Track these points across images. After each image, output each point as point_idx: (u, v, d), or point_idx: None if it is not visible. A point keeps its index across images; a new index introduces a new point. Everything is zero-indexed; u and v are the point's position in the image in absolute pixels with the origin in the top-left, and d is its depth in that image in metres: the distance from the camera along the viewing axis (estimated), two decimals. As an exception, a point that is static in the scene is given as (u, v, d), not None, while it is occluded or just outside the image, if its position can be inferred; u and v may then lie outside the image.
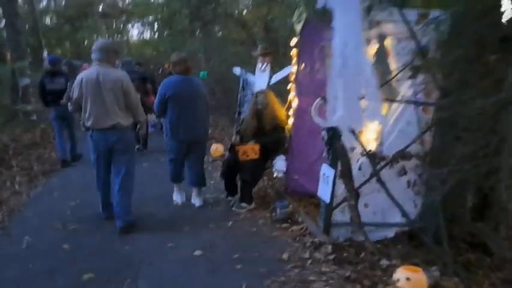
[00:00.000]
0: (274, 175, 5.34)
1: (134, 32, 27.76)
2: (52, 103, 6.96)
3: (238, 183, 5.10)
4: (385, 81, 3.77)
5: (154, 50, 17.91)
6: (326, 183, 3.95)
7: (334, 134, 3.87)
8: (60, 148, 7.25)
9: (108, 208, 4.49)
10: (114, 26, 26.95)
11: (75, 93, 4.20)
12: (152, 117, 7.87)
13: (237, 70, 7.07)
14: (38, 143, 8.84)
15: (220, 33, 13.22)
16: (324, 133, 3.96)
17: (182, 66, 4.71)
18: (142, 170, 6.44)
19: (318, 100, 3.96)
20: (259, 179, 5.04)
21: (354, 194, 3.78)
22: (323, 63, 5.07)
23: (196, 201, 5.07)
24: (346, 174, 3.83)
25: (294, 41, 5.13)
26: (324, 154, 4.05)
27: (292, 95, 5.18)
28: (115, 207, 4.32)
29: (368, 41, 4.00)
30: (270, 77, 6.56)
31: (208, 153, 7.58)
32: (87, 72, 4.18)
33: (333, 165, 3.91)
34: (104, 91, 4.06)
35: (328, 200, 3.90)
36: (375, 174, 3.87)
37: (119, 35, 27.42)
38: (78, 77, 4.19)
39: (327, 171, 3.95)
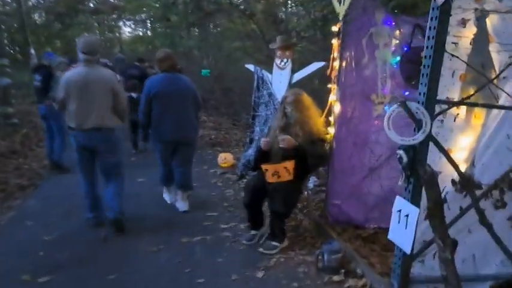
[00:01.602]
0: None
1: (127, 28, 26.30)
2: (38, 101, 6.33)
3: (265, 213, 3.85)
4: (484, 79, 2.62)
5: (150, 45, 16.53)
6: (404, 225, 2.70)
7: (417, 155, 2.65)
8: (47, 150, 6.43)
9: (97, 209, 4.19)
10: (105, 23, 25.51)
11: (61, 93, 3.96)
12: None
13: (250, 67, 5.80)
14: (17, 151, 7.47)
15: (219, 26, 11.91)
16: (401, 153, 2.73)
17: (168, 63, 4.40)
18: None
19: (394, 106, 2.71)
20: (294, 207, 3.77)
21: (449, 242, 2.55)
22: (372, 56, 3.85)
23: (180, 205, 4.65)
24: (435, 214, 2.58)
25: (335, 27, 3.87)
26: (400, 182, 2.81)
27: (332, 98, 3.91)
28: (109, 208, 4.08)
29: (462, 23, 2.80)
30: (292, 75, 5.30)
31: (216, 165, 6.32)
32: (75, 72, 3.94)
33: (414, 199, 2.68)
34: (92, 91, 3.85)
35: (408, 250, 2.65)
36: (473, 206, 2.69)
37: (111, 32, 26.02)
38: (64, 77, 3.99)
39: (405, 209, 2.70)
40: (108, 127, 3.95)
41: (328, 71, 4.03)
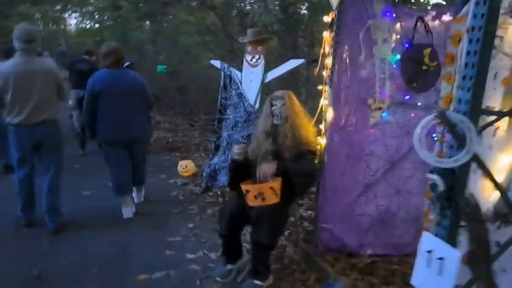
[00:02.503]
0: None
1: (73, 21, 24.51)
2: None
3: (243, 243, 3.12)
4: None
5: (98, 37, 15.22)
6: (437, 271, 2.07)
7: (457, 181, 2.00)
8: None
9: (29, 208, 3.95)
10: (49, 14, 23.63)
11: None
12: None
13: (216, 63, 5.05)
14: None
15: (174, 19, 10.95)
16: (435, 179, 2.08)
17: (113, 58, 4.02)
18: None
19: (427, 118, 2.06)
20: (280, 235, 3.05)
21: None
22: (370, 53, 3.23)
23: (135, 195, 4.57)
24: (479, 257, 1.97)
25: (327, 17, 3.20)
26: (433, 216, 2.17)
27: (323, 102, 3.24)
28: (45, 209, 3.88)
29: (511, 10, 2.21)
30: (265, 74, 4.60)
31: (175, 173, 5.51)
32: (11, 62, 3.65)
33: (451, 238, 2.04)
34: (34, 83, 3.63)
35: (444, 304, 2.02)
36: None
37: (55, 25, 24.18)
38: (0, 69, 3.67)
39: (440, 250, 2.06)
40: (53, 119, 3.78)
41: (316, 70, 3.35)
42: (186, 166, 5.52)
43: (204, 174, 5.02)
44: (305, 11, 7.34)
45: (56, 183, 3.90)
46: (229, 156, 4.84)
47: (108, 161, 4.20)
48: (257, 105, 4.63)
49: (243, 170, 3.02)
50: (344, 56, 3.13)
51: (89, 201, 4.66)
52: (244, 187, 2.86)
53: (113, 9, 11.58)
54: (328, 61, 3.17)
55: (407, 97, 3.31)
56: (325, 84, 3.21)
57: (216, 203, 4.48)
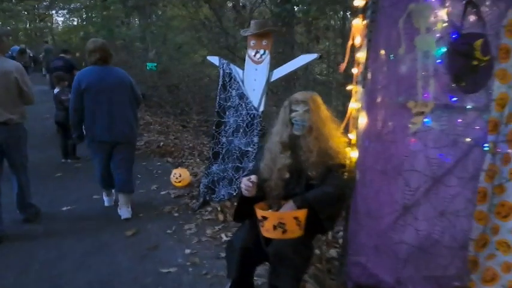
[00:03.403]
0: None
1: (60, 18, 23.59)
2: None
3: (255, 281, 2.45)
4: None
5: (82, 32, 14.40)
6: None
7: None
8: None
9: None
10: (35, 11, 22.71)
11: None
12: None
13: (214, 60, 4.36)
14: None
15: (164, 13, 10.22)
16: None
17: (99, 55, 3.88)
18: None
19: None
20: (303, 274, 2.38)
21: None
22: (411, 45, 2.59)
23: (123, 211, 4.03)
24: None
25: (358, 1, 2.54)
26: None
27: (353, 106, 2.58)
28: (17, 205, 3.89)
29: None
30: (271, 72, 3.93)
31: (168, 183, 4.83)
32: None
33: None
34: None
35: None
36: None
37: (41, 21, 23.19)
38: None
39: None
40: (16, 122, 3.65)
41: (342, 66, 2.69)
42: (180, 175, 4.83)
43: (200, 186, 4.34)
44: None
45: (25, 180, 3.86)
46: (230, 167, 4.18)
47: (94, 159, 4.11)
48: (261, 108, 3.97)
49: (254, 202, 2.34)
50: (380, 48, 2.48)
51: (67, 220, 3.94)
52: (260, 213, 2.19)
53: (100, 5, 10.79)
54: (361, 55, 2.50)
55: (454, 99, 2.65)
56: (356, 83, 2.54)
57: (215, 221, 3.82)
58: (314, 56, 3.78)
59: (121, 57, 11.50)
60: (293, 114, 2.34)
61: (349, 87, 2.56)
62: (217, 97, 4.31)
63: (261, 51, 3.99)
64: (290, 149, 2.37)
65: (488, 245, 2.39)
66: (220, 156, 4.30)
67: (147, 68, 7.95)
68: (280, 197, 2.33)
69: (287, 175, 2.31)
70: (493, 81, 2.48)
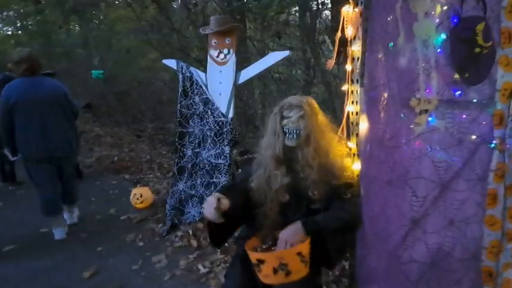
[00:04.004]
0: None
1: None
2: None
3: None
4: None
5: (12, 40, 13.23)
6: None
7: None
8: None
9: None
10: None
11: None
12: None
13: (171, 63, 3.84)
14: None
15: (107, 17, 9.44)
16: None
17: (26, 66, 3.55)
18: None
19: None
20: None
21: None
22: (410, 34, 2.25)
23: (67, 216, 3.95)
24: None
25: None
26: None
27: (351, 109, 2.18)
28: None
29: None
30: (238, 73, 3.48)
31: (128, 205, 4.27)
32: None
33: None
34: None
35: None
36: None
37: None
38: None
39: None
40: None
41: (332, 62, 2.28)
42: (142, 195, 4.26)
43: (166, 206, 3.81)
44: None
45: None
46: (199, 183, 3.69)
47: (34, 181, 3.73)
48: (231, 114, 3.51)
49: (227, 226, 1.85)
50: (377, 39, 2.09)
51: (11, 263, 3.30)
52: (254, 256, 1.74)
53: (34, 11, 9.83)
54: (356, 48, 2.10)
55: (457, 93, 2.31)
56: (351, 82, 2.14)
57: (189, 248, 3.31)
58: (285, 53, 3.35)
59: (62, 66, 10.64)
60: (285, 121, 1.89)
61: (344, 87, 2.15)
62: (178, 105, 3.79)
63: (225, 51, 3.53)
64: (285, 165, 1.92)
65: (503, 252, 2.06)
66: (187, 172, 3.79)
67: (93, 76, 7.24)
68: (277, 226, 1.87)
69: (286, 197, 1.87)
70: (496, 69, 2.20)
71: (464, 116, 2.33)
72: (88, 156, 6.45)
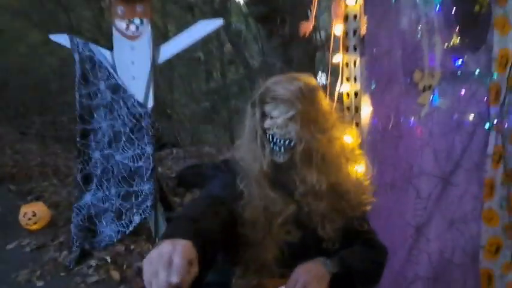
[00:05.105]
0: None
1: None
2: None
3: None
4: None
5: None
6: None
7: None
8: None
9: None
10: None
11: None
12: None
13: (60, 39, 2.87)
14: None
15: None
16: None
17: None
18: None
19: None
20: None
21: None
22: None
23: None
24: None
25: None
26: None
27: (346, 89, 1.54)
28: None
29: None
30: (158, 48, 2.67)
31: (17, 228, 3.26)
32: None
33: None
34: None
35: None
36: None
37: None
38: None
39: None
40: None
41: (306, 28, 1.61)
42: (35, 214, 3.24)
43: (71, 227, 2.88)
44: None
45: None
46: (114, 193, 2.83)
47: None
48: (151, 102, 2.70)
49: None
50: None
51: None
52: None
53: None
54: (351, 2, 1.45)
55: (458, 63, 1.85)
56: (347, 50, 1.49)
57: (109, 283, 2.47)
58: (218, 22, 2.63)
59: None
60: (268, 122, 1.17)
61: (335, 59, 1.50)
62: (77, 93, 2.86)
63: (136, 21, 2.70)
64: (280, 184, 1.20)
65: (502, 250, 1.86)
66: (95, 180, 2.92)
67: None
68: (272, 274, 1.17)
69: (296, 234, 1.15)
70: (492, 33, 1.84)
71: (462, 92, 1.90)
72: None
